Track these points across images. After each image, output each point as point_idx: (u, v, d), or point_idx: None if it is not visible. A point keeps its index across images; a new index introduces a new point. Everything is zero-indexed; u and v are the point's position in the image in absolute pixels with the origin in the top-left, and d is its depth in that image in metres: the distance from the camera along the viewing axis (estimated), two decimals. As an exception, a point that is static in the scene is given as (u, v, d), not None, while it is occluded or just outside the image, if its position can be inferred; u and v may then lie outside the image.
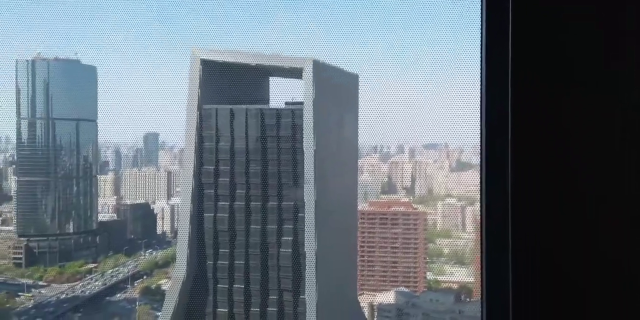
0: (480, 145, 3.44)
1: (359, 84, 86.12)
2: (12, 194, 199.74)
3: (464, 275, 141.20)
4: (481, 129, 3.43)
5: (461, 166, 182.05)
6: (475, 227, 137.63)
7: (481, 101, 3.43)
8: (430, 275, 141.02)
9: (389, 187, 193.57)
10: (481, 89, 3.43)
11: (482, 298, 3.51)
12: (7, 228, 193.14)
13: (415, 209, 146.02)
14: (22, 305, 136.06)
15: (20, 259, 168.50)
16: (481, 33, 3.40)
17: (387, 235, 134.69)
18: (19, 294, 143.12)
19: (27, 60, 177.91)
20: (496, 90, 3.32)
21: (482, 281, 3.49)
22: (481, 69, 3.41)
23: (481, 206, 3.44)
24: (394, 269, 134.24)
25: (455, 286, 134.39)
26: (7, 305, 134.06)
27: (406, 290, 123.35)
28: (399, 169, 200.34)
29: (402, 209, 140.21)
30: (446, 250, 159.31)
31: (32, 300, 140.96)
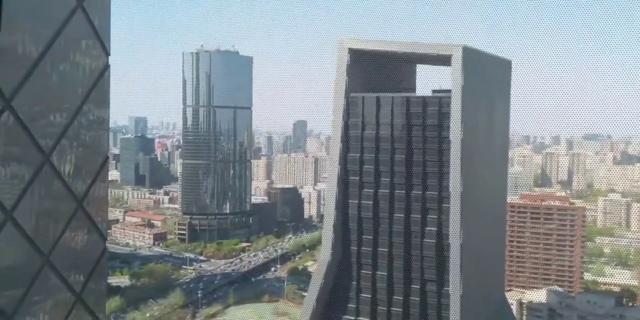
0: None
1: (512, 70, 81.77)
2: (177, 175, 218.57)
3: (627, 277, 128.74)
4: None
5: (627, 159, 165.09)
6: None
7: None
8: (588, 276, 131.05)
9: (542, 180, 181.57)
10: None
11: None
12: (173, 206, 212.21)
13: (573, 204, 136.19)
14: (185, 277, 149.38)
15: (184, 234, 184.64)
16: None
17: (540, 230, 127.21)
18: (183, 266, 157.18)
19: (191, 53, 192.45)
20: None
21: None
22: None
23: None
24: (547, 267, 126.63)
25: (616, 289, 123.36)
26: (173, 276, 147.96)
27: (560, 289, 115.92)
28: (554, 161, 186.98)
29: (557, 203, 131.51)
30: (607, 250, 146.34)
31: (193, 273, 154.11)
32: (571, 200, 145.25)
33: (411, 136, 70.85)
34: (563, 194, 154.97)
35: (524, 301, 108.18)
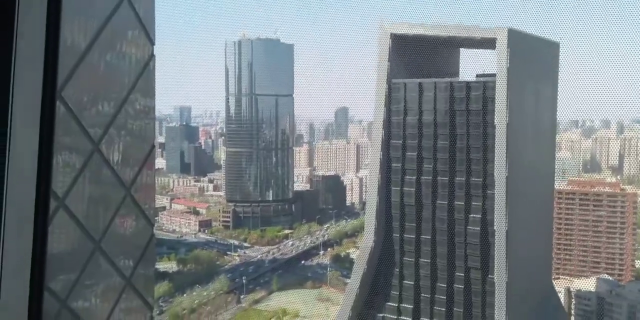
0: None
1: (560, 52, 79.39)
2: (221, 163, 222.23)
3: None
4: None
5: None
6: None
7: None
8: (639, 264, 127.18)
9: (591, 165, 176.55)
10: None
11: None
12: (217, 193, 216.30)
13: (624, 190, 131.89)
14: (230, 263, 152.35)
15: (228, 222, 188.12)
16: None
17: (589, 217, 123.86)
18: (227, 253, 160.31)
19: (233, 42, 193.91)
20: None
21: None
22: None
23: None
24: (596, 255, 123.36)
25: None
26: (218, 262, 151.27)
27: (610, 278, 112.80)
28: (604, 146, 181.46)
29: (607, 189, 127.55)
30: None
31: (238, 260, 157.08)
32: (622, 186, 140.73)
33: (454, 122, 69.92)
34: (613, 179, 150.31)
35: (572, 289, 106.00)
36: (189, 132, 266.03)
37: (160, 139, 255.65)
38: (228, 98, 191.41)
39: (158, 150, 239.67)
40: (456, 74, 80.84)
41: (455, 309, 70.23)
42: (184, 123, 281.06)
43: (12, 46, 3.66)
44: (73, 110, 4.63)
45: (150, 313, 7.20)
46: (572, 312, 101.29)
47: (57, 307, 4.41)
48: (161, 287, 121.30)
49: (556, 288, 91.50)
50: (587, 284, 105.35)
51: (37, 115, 3.91)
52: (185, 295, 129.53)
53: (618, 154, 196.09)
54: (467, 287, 70.09)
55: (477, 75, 72.85)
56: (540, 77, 75.76)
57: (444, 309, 70.57)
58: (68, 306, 4.69)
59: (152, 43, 6.54)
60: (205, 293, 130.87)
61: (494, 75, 66.60)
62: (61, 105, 4.41)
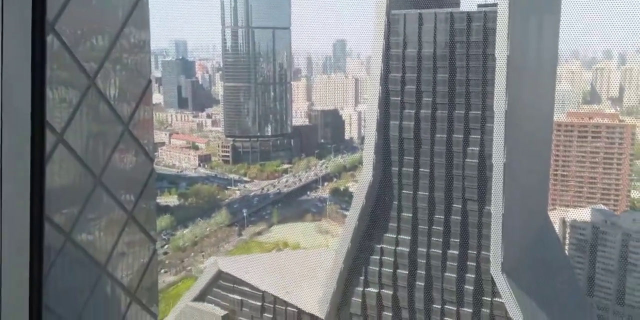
0: None
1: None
2: (219, 98, 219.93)
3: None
4: None
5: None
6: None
7: None
8: (635, 194, 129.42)
9: (591, 97, 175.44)
10: None
11: None
12: (216, 128, 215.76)
13: (622, 121, 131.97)
14: (230, 197, 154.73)
15: (227, 156, 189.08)
16: None
17: (587, 149, 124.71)
18: (228, 187, 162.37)
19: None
20: None
21: None
22: None
23: None
24: (592, 185, 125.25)
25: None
26: (218, 197, 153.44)
27: (605, 208, 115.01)
28: (605, 77, 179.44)
29: (606, 121, 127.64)
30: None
31: (237, 193, 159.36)
32: (621, 117, 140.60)
33: (454, 54, 68.65)
34: (612, 111, 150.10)
35: (567, 220, 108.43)
36: (186, 66, 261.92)
37: (157, 74, 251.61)
38: (224, 31, 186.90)
39: (155, 85, 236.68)
40: (457, 4, 78.53)
41: (452, 239, 72.08)
42: (180, 57, 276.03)
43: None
44: (67, 44, 4.53)
45: (153, 246, 7.40)
46: (567, 241, 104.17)
47: (61, 240, 4.52)
48: (163, 221, 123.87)
49: (552, 218, 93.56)
50: (583, 215, 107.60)
51: (28, 49, 3.82)
52: (187, 228, 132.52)
53: (619, 85, 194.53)
54: (464, 218, 71.53)
55: (479, 6, 70.83)
56: (543, 7, 73.70)
57: (440, 240, 72.42)
58: (72, 239, 4.79)
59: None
60: (207, 226, 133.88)
61: (495, 4, 64.79)
62: (55, 38, 4.30)
